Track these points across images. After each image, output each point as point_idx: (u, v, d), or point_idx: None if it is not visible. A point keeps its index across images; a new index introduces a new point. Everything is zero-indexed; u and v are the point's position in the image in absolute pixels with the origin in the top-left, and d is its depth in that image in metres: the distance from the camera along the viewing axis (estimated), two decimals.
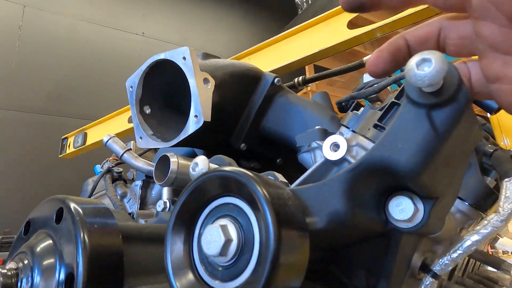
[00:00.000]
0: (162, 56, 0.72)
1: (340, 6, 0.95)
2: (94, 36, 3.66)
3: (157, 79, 0.78)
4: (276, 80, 0.77)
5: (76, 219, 0.46)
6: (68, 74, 3.46)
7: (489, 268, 0.91)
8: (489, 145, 0.46)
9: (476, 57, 0.31)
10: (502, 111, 0.59)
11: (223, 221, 0.31)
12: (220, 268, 0.30)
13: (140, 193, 0.89)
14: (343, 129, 0.59)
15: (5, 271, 0.46)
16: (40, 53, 3.36)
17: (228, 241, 0.29)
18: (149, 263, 0.50)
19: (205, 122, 0.67)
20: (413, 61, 0.27)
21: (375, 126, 0.52)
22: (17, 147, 3.13)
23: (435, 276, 0.43)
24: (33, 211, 0.55)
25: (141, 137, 0.75)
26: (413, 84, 0.27)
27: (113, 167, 0.95)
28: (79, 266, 0.42)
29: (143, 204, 0.90)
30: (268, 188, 0.30)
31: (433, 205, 0.34)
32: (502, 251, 2.39)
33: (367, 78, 0.64)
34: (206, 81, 0.69)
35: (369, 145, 0.53)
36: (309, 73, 2.71)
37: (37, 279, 0.45)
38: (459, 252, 0.42)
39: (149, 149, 1.04)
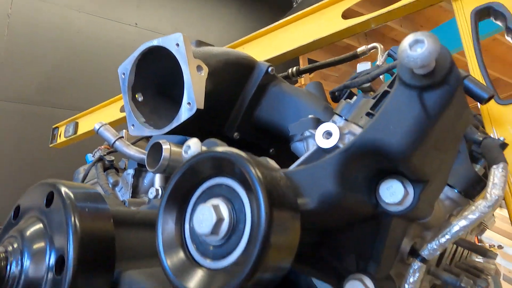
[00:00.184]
0: (155, 42, 0.71)
1: None
2: (86, 26, 3.59)
3: (150, 67, 0.77)
4: (270, 69, 0.77)
5: (67, 202, 0.45)
6: (59, 65, 3.40)
7: (476, 259, 0.94)
8: (479, 133, 0.47)
9: None
10: (492, 102, 0.60)
11: (215, 201, 0.31)
12: (211, 248, 0.30)
13: (132, 182, 0.89)
14: (336, 117, 0.59)
15: None
16: (29, 42, 3.29)
17: (219, 220, 0.29)
18: (141, 247, 0.50)
19: (198, 110, 0.67)
20: (406, 42, 0.27)
21: (368, 114, 0.53)
22: (6, 137, 3.08)
23: (423, 260, 0.44)
24: (23, 196, 0.54)
25: (133, 125, 0.75)
26: (405, 65, 0.27)
27: (104, 155, 0.95)
28: (70, 250, 0.42)
29: (135, 193, 0.89)
30: (261, 168, 0.30)
31: (423, 188, 0.35)
32: (489, 245, 2.45)
33: (360, 68, 0.65)
34: (199, 68, 0.69)
35: None
36: (303, 65, 2.71)
37: (26, 262, 0.45)
38: (447, 237, 0.42)
39: (142, 138, 1.03)
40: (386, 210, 0.36)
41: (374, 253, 0.40)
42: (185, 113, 0.67)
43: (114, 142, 0.81)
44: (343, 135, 0.54)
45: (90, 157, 1.12)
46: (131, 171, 0.90)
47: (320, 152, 0.55)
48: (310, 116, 0.65)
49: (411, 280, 0.43)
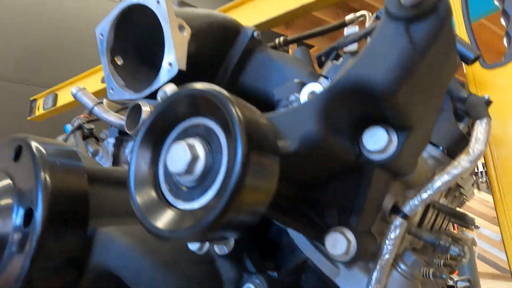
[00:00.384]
0: (134, 0, 0.68)
1: None
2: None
3: (130, 29, 0.74)
4: (256, 33, 0.74)
5: (37, 156, 0.43)
6: (37, 40, 3.26)
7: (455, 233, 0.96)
8: (464, 91, 0.46)
9: None
10: (477, 66, 0.60)
11: (191, 140, 0.29)
12: (184, 188, 0.29)
13: (113, 151, 0.86)
14: (321, 79, 0.58)
15: None
16: (6, 17, 3.14)
17: (194, 158, 0.28)
18: (117, 205, 0.48)
19: (179, 73, 0.64)
20: None
21: None
22: None
23: (405, 217, 0.43)
24: None
25: (112, 88, 0.71)
26: None
27: (84, 123, 0.91)
28: (39, 202, 0.40)
29: (116, 162, 0.87)
30: (241, 108, 0.29)
31: (407, 136, 0.34)
32: None
33: (347, 32, 0.63)
34: (181, 28, 0.66)
35: None
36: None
37: None
38: (429, 192, 0.42)
39: (123, 108, 0.99)
40: (369, 158, 0.35)
41: (356, 205, 0.39)
42: (165, 74, 0.64)
43: (93, 107, 0.78)
44: None
45: (69, 127, 1.08)
46: (111, 140, 0.87)
47: None
48: (295, 80, 0.64)
49: (392, 235, 0.43)
